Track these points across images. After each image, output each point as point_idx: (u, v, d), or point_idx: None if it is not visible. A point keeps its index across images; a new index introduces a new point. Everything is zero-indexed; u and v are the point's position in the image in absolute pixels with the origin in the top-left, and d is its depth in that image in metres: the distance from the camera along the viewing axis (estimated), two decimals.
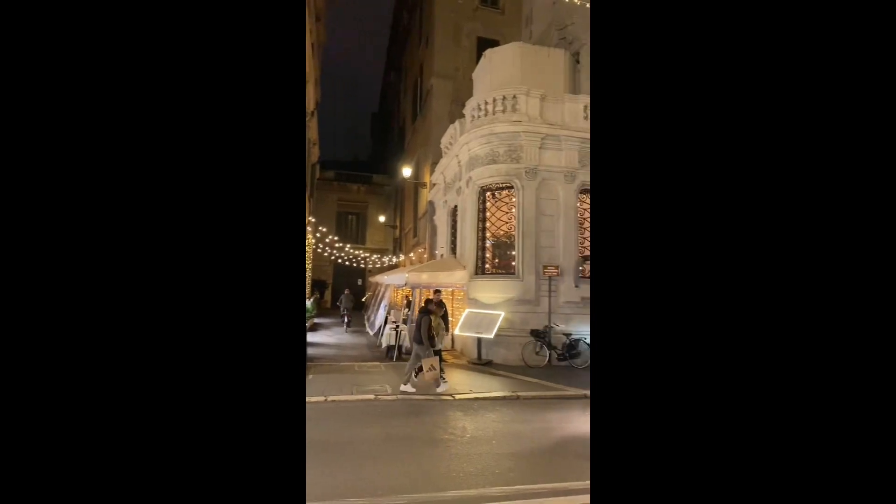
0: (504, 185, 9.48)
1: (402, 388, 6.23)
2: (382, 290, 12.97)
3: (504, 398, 6.16)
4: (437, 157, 13.28)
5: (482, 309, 9.04)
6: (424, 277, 9.60)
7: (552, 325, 8.50)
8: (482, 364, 8.45)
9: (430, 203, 14.29)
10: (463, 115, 10.56)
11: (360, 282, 23.11)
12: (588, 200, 9.31)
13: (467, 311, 9.24)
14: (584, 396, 6.24)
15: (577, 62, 10.89)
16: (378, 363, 8.41)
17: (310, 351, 9.47)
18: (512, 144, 9.25)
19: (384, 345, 9.20)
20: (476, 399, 6.10)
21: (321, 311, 18.11)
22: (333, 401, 5.75)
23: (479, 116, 9.70)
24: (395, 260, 19.97)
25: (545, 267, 8.76)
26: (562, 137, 9.22)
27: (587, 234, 9.22)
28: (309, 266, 16.60)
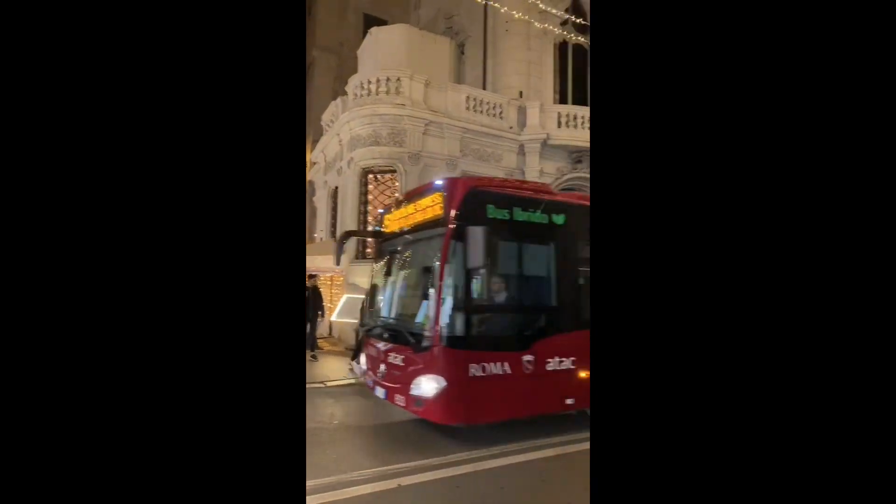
0: (387, 168, 9.33)
1: None
2: None
3: None
4: (319, 134, 12.55)
5: (362, 294, 8.84)
6: None
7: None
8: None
9: (310, 183, 13.50)
10: (346, 93, 10.10)
11: None
12: None
13: (345, 296, 8.95)
14: None
15: (462, 53, 11.14)
16: None
17: None
18: (395, 128, 9.12)
19: None
20: (349, 385, 5.96)
21: None
22: None
23: (362, 95, 9.36)
24: None
25: None
26: (444, 125, 9.37)
27: None
28: None
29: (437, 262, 3.67)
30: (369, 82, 9.26)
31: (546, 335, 4.05)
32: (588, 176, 11.14)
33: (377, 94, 9.17)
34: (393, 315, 4.57)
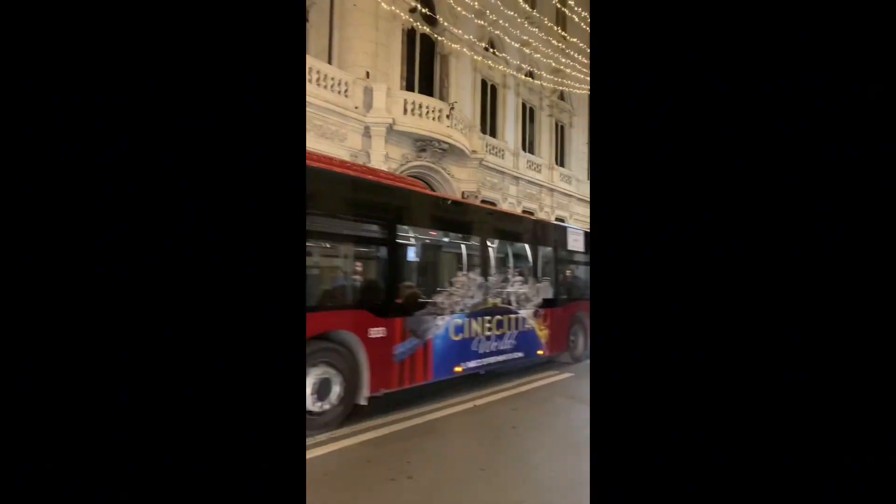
0: None
1: None
2: None
3: None
4: None
5: None
6: None
7: None
8: None
9: None
10: None
11: None
12: None
13: None
14: None
15: (307, 20, 10.33)
16: None
17: None
18: None
19: None
20: None
21: None
22: None
23: None
24: None
25: None
26: None
27: None
28: None
29: None
30: None
31: None
32: (432, 164, 11.61)
33: None
34: None
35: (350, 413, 3.96)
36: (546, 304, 6.30)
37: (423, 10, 10.72)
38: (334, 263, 4.49)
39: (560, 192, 17.41)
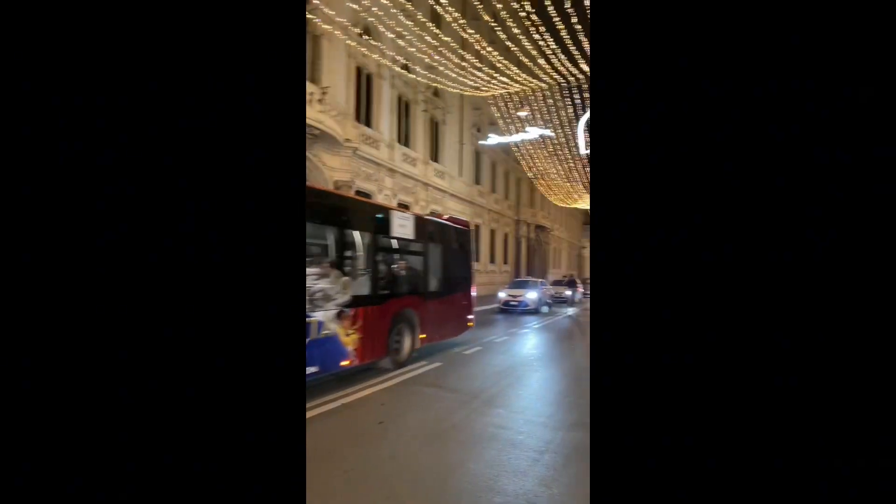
0: None
1: None
2: None
3: None
4: None
5: None
6: None
7: None
8: None
9: None
10: None
11: None
12: None
13: None
14: None
15: None
16: None
17: None
18: None
19: None
20: None
21: None
22: None
23: None
24: None
25: None
26: None
27: None
28: None
29: None
30: None
31: None
32: (312, 156, 10.86)
33: None
34: None
35: None
36: (357, 302, 5.04)
37: None
38: None
39: (434, 188, 17.88)
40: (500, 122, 17.30)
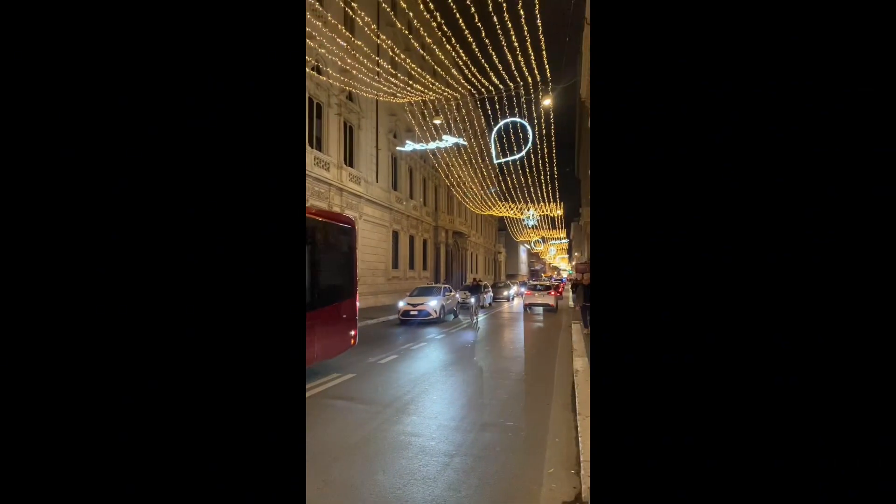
0: None
1: None
2: None
3: None
4: None
5: None
6: None
7: None
8: None
9: None
10: None
11: None
12: None
13: None
14: None
15: None
16: None
17: None
18: None
19: None
20: None
21: None
22: None
23: None
24: None
25: None
26: None
27: None
28: None
29: None
30: None
31: None
32: None
33: None
34: None
35: None
36: None
37: None
38: None
39: (350, 192, 17.49)
40: (417, 129, 17.40)
